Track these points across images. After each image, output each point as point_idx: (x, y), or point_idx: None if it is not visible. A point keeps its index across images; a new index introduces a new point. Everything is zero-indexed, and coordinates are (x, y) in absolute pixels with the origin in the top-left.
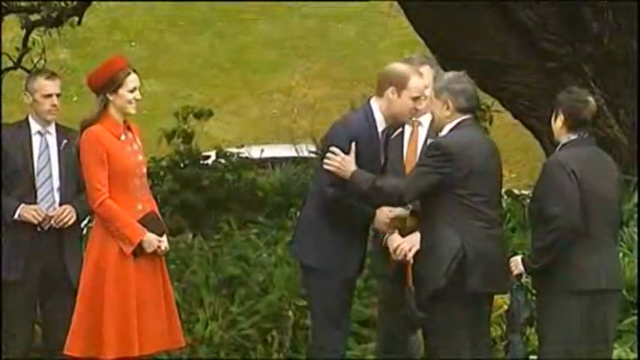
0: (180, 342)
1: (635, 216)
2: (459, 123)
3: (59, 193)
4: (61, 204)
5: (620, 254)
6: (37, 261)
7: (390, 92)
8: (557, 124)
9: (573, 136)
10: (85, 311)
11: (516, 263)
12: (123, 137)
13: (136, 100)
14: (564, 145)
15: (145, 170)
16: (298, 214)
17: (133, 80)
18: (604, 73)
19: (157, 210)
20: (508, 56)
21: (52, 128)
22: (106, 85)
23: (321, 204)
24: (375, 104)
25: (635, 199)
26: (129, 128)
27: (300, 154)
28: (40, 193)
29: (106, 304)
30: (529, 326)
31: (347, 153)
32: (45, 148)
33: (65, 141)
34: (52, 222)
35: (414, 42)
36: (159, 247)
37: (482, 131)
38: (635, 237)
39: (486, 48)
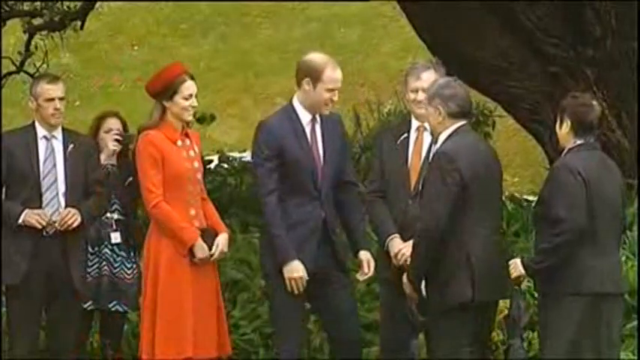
0: (227, 349)
1: (637, 220)
2: (455, 130)
3: (64, 198)
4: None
5: (623, 258)
6: (41, 265)
7: (305, 83)
8: (563, 130)
9: (579, 141)
10: (144, 312)
11: (515, 265)
12: (179, 143)
13: (193, 107)
14: (570, 149)
15: (200, 177)
16: None
17: (188, 87)
18: (606, 77)
19: (213, 213)
20: (510, 60)
21: (58, 133)
22: (162, 92)
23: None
24: (296, 97)
25: (637, 204)
26: (187, 135)
27: None
28: (46, 198)
29: (158, 305)
30: (531, 330)
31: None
32: (51, 152)
33: (72, 145)
34: (57, 225)
35: (417, 45)
36: (212, 254)
37: (481, 137)
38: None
39: (488, 51)
